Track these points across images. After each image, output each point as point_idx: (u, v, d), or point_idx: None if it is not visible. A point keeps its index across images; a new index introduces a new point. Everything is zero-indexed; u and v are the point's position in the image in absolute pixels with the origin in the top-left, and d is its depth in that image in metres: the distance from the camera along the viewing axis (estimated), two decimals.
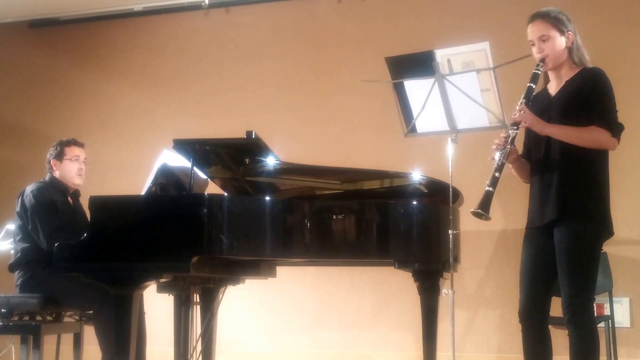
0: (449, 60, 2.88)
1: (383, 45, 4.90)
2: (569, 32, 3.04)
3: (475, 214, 2.88)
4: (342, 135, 5.38)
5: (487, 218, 2.90)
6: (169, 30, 5.98)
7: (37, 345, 3.83)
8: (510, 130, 2.97)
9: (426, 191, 3.64)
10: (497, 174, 2.92)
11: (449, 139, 3.04)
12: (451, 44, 2.86)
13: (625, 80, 4.59)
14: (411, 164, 4.15)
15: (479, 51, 2.82)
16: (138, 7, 5.98)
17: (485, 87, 2.87)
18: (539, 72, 3.00)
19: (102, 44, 6.10)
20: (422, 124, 3.04)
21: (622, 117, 3.03)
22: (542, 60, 3.00)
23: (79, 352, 4.30)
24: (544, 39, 3.01)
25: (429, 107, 2.98)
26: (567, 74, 3.08)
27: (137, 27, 6.06)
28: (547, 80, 3.13)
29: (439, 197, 3.42)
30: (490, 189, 2.88)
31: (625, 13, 4.96)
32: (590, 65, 3.07)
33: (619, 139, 2.99)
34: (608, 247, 4.48)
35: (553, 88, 3.13)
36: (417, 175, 3.59)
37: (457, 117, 3.00)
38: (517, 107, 3.01)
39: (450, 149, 3.00)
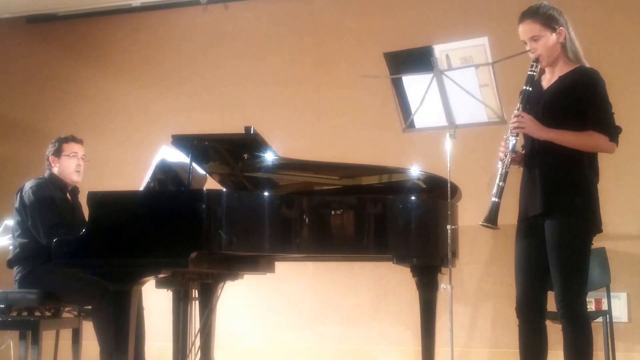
0: (447, 56, 2.87)
1: (381, 40, 4.90)
2: (561, 28, 2.99)
3: (485, 227, 2.88)
4: (340, 130, 5.37)
5: (496, 229, 2.90)
6: (167, 26, 5.97)
7: (36, 340, 3.83)
8: (510, 138, 2.96)
9: (424, 186, 3.63)
10: (501, 184, 2.91)
11: (447, 135, 3.04)
12: (450, 39, 2.85)
13: (624, 78, 4.60)
14: (409, 159, 4.14)
15: (478, 46, 2.82)
16: (136, 3, 5.96)
17: (484, 82, 2.87)
18: (534, 73, 2.97)
19: (100, 40, 6.09)
20: (421, 120, 3.04)
21: (618, 114, 3.03)
22: (536, 60, 2.98)
23: (78, 348, 4.30)
24: (535, 38, 2.98)
25: (427, 103, 2.97)
26: (562, 69, 3.05)
27: (136, 23, 6.04)
28: (542, 72, 3.09)
29: (438, 192, 3.41)
30: (496, 199, 2.89)
31: (622, 10, 4.94)
32: (585, 61, 3.05)
33: (617, 142, 2.98)
34: (606, 242, 4.50)
35: (546, 81, 3.10)
36: (415, 171, 3.59)
37: (455, 112, 2.99)
38: (515, 113, 2.99)
39: (448, 145, 3.00)
